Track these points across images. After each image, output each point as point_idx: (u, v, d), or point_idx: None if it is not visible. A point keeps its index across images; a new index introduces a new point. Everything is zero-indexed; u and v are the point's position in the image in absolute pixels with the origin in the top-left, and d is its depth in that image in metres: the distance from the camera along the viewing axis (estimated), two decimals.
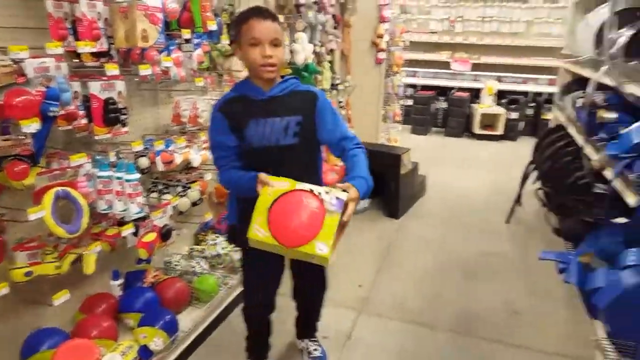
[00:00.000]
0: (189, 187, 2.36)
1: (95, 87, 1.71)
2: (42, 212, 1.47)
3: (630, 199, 1.87)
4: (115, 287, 2.16)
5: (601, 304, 1.80)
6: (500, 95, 7.09)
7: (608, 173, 2.14)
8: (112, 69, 1.71)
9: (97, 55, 1.74)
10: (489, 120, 7.01)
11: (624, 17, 2.47)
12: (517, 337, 2.42)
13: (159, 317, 2.01)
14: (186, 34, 2.11)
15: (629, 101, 2.21)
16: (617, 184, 2.02)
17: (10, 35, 1.55)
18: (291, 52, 3.21)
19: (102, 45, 1.67)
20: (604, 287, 1.85)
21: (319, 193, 1.44)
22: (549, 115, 6.59)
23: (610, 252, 2.04)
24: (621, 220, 2.24)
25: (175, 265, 2.52)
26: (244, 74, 2.66)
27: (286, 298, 2.13)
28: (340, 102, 4.54)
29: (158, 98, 2.34)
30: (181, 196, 2.31)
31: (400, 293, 2.83)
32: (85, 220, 1.61)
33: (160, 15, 1.88)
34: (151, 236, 2.04)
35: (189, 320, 2.24)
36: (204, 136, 2.39)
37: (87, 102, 1.72)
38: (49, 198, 1.51)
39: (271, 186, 1.47)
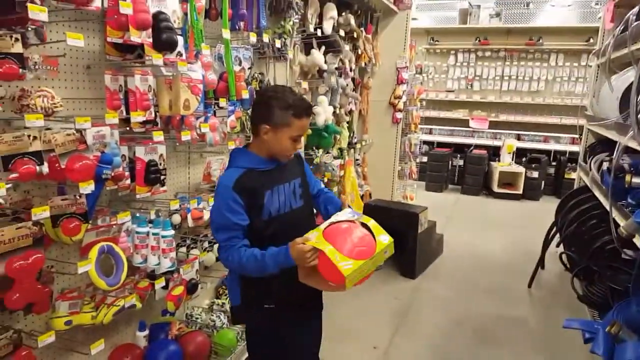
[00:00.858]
0: (214, 242, 2.48)
1: (140, 151, 1.88)
2: (89, 265, 1.60)
3: None
4: (141, 338, 2.23)
5: None
6: (520, 153, 7.14)
7: (637, 240, 2.09)
8: (158, 136, 1.88)
9: (143, 122, 1.92)
10: (508, 179, 7.07)
11: None
12: None
13: None
14: (222, 102, 2.31)
15: None
16: None
17: (72, 105, 1.76)
18: (312, 114, 3.41)
19: (151, 115, 1.86)
20: None
21: (339, 219, 1.57)
22: (572, 175, 6.58)
23: None
24: None
25: (197, 318, 2.60)
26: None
27: None
28: (357, 159, 4.71)
29: (191, 158, 2.51)
30: (208, 251, 2.43)
31: (416, 356, 2.82)
32: (124, 274, 1.73)
33: (200, 87, 2.08)
34: (179, 289, 2.15)
35: None
36: None
37: (132, 164, 1.89)
38: (94, 253, 1.64)
39: (308, 239, 1.50)
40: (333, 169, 3.75)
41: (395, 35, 4.83)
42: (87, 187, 1.51)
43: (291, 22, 3.05)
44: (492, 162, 7.25)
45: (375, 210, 4.09)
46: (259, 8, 2.63)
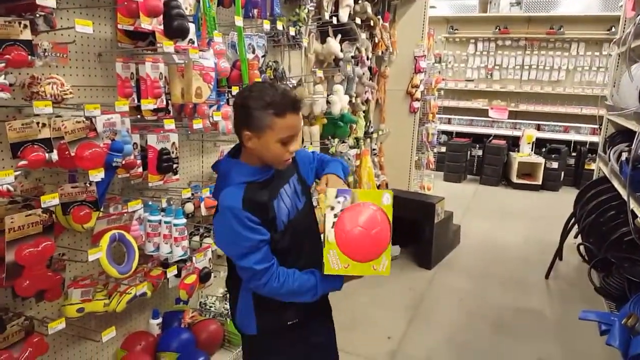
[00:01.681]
0: None
1: (152, 139, 1.87)
2: (99, 253, 1.60)
3: None
4: (154, 326, 2.25)
5: None
6: (540, 143, 7.03)
7: None
8: (170, 124, 1.87)
9: (155, 110, 1.91)
10: (527, 169, 6.95)
11: None
12: None
13: (194, 358, 2.08)
14: (235, 90, 2.28)
15: None
16: None
17: (84, 92, 1.75)
18: (328, 102, 3.37)
19: (162, 102, 1.84)
20: None
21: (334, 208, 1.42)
22: (592, 166, 6.48)
23: None
24: None
25: (210, 307, 2.60)
26: None
27: None
28: (373, 149, 4.66)
29: (204, 147, 2.50)
30: None
31: (430, 347, 2.79)
32: (136, 262, 1.73)
33: (213, 74, 2.05)
34: (192, 278, 2.14)
35: None
36: None
37: (144, 152, 1.88)
38: (105, 240, 1.64)
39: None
40: (349, 159, 3.71)
41: (413, 24, 4.73)
42: (97, 175, 1.50)
43: (306, 10, 3.00)
44: (511, 153, 7.13)
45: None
46: None
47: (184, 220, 1.99)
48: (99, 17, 1.78)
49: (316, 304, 1.49)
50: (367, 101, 4.29)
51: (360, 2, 3.68)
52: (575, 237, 3.61)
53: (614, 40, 4.08)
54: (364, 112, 4.21)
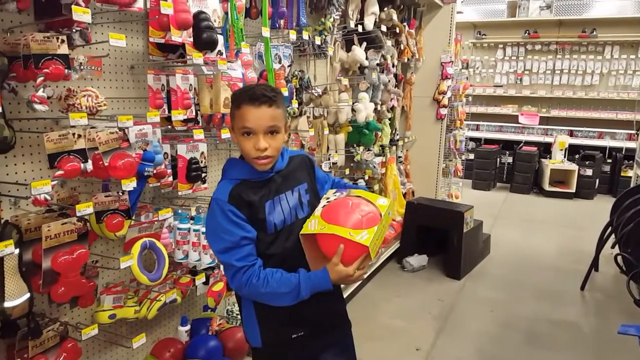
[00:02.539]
0: None
1: (182, 149, 1.91)
2: (131, 260, 1.63)
3: None
4: (183, 333, 2.28)
5: None
6: (573, 150, 6.86)
7: None
8: (199, 134, 1.91)
9: (185, 120, 1.95)
10: (560, 177, 6.77)
11: None
12: None
13: None
14: None
15: None
16: None
17: (117, 104, 1.80)
18: (353, 110, 3.37)
19: (192, 113, 1.88)
20: None
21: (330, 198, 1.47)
22: (629, 172, 6.27)
23: None
24: None
25: (237, 314, 2.62)
26: (307, 134, 2.83)
27: None
28: (399, 157, 4.62)
29: (232, 156, 2.53)
30: None
31: (460, 359, 2.73)
32: (166, 270, 1.76)
33: (240, 85, 2.09)
34: (219, 285, 2.16)
35: None
36: None
37: (174, 162, 1.92)
38: (136, 248, 1.68)
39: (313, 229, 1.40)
40: (374, 167, 3.69)
41: (439, 30, 4.70)
42: (130, 184, 1.54)
43: (331, 19, 3.01)
44: (542, 159, 6.97)
45: (419, 208, 3.99)
46: (299, 6, 2.62)
47: None
48: (131, 30, 1.84)
49: (325, 317, 1.47)
50: (392, 108, 4.27)
51: (385, 9, 3.67)
52: (613, 247, 3.48)
53: None
54: (389, 119, 4.19)
